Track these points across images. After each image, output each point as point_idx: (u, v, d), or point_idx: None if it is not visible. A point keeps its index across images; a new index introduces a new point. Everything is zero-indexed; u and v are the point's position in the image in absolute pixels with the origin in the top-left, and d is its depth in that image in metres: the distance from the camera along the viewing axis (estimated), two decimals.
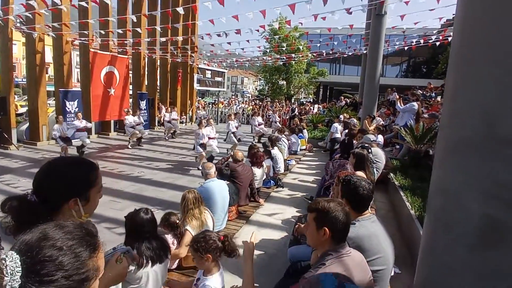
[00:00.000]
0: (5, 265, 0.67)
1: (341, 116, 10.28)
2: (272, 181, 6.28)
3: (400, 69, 33.91)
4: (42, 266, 0.70)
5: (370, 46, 10.19)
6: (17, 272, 0.68)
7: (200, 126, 8.29)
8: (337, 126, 9.43)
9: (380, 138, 7.65)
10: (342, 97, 16.37)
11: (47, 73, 12.13)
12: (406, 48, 13.59)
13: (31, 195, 1.11)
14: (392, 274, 2.55)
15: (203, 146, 8.06)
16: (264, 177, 6.01)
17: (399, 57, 31.88)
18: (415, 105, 7.92)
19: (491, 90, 1.33)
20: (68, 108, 11.19)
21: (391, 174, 5.92)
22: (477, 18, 1.41)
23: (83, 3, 8.72)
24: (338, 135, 9.20)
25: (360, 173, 3.44)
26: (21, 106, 16.40)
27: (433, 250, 1.67)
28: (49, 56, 13.85)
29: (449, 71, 1.64)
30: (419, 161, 6.09)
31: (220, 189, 4.17)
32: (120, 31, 11.85)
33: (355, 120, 9.37)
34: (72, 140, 9.13)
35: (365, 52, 13.60)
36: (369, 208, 2.40)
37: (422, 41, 12.76)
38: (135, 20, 11.06)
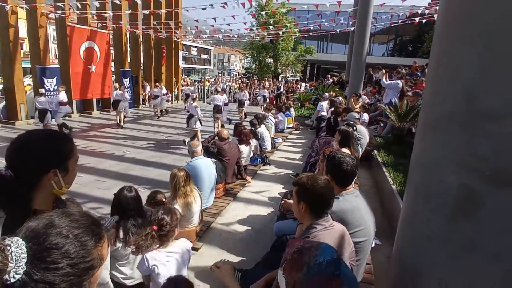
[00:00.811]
0: (10, 251, 0.66)
1: (327, 94, 10.32)
2: (259, 159, 6.33)
3: (387, 47, 33.94)
4: (48, 253, 0.70)
5: (358, 23, 10.10)
6: (23, 259, 0.67)
7: (195, 101, 8.30)
8: (323, 104, 9.48)
9: (366, 116, 7.77)
10: (329, 76, 16.33)
11: (22, 48, 11.52)
12: (393, 25, 13.54)
13: (5, 170, 1.08)
14: (373, 245, 2.67)
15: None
16: (251, 155, 6.05)
17: (386, 36, 31.86)
18: (399, 83, 8.02)
19: (472, 66, 1.36)
20: (47, 86, 10.77)
21: (375, 151, 6.06)
22: None
23: None
24: (324, 113, 9.27)
25: (345, 150, 3.50)
26: None
27: (412, 221, 1.75)
28: (23, 31, 13.11)
29: (432, 48, 1.65)
30: (402, 139, 6.23)
31: (206, 166, 4.19)
32: (97, 4, 11.25)
33: (341, 98, 9.45)
34: (54, 119, 8.84)
35: (352, 29, 13.48)
36: (352, 184, 2.47)
37: (408, 15, 12.70)
38: None
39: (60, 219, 0.76)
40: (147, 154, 7.46)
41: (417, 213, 1.63)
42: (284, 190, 4.92)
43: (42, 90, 8.95)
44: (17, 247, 0.68)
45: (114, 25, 13.81)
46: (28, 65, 12.19)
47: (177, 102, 18.42)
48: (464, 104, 1.35)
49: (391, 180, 4.31)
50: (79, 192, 4.76)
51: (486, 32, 1.28)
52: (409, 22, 13.48)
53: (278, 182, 5.52)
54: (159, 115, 12.95)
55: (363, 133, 5.29)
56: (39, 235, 0.71)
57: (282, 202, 3.15)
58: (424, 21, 12.46)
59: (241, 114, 12.43)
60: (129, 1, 12.20)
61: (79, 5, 11.52)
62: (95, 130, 10.18)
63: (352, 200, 2.32)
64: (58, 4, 11.00)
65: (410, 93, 7.75)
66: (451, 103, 1.41)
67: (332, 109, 7.78)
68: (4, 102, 10.95)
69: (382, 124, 7.99)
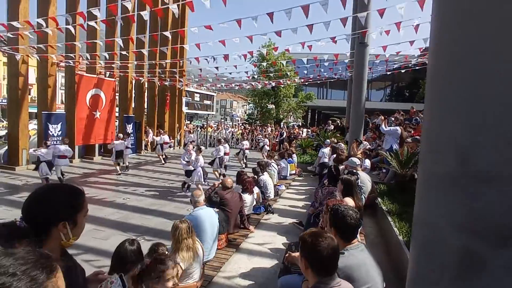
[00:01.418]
0: None
1: (328, 141, 10.47)
2: (262, 207, 6.26)
3: (384, 93, 35.10)
4: None
5: (355, 73, 10.59)
6: None
7: (198, 153, 8.26)
8: (325, 151, 9.58)
9: (367, 163, 7.81)
10: (330, 121, 16.73)
11: (29, 94, 12.02)
12: (389, 73, 14.17)
13: (20, 221, 1.14)
14: None
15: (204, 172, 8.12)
16: (254, 203, 6.00)
17: (383, 82, 33.14)
18: (398, 129, 8.19)
19: (463, 125, 1.41)
20: (51, 131, 11.00)
21: (379, 199, 6.00)
22: (446, 51, 1.52)
23: (70, 27, 8.79)
24: (326, 160, 9.33)
25: (348, 200, 3.50)
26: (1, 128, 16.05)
27: (419, 280, 1.71)
28: (32, 77, 13.76)
29: (425, 105, 1.73)
30: (405, 186, 6.21)
31: (209, 217, 4.14)
32: (106, 54, 11.95)
33: (342, 145, 9.55)
34: (55, 165, 8.83)
35: (350, 77, 14.11)
36: (358, 236, 2.44)
37: (402, 67, 13.35)
38: (122, 45, 11.23)
39: (3, 260, 0.75)
40: (147, 201, 7.38)
41: (424, 272, 1.60)
42: (288, 241, 4.80)
43: (48, 142, 8.92)
44: None
45: (121, 74, 14.53)
46: (34, 110, 12.59)
47: (180, 148, 18.66)
48: (457, 166, 1.39)
49: (397, 230, 4.22)
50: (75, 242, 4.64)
51: (474, 89, 1.35)
52: (404, 69, 14.15)
53: (282, 232, 5.41)
54: (163, 162, 13.03)
55: (365, 180, 5.29)
56: None
57: (287, 255, 3.06)
58: (418, 67, 13.08)
59: (241, 162, 12.57)
60: (135, 53, 12.98)
61: (88, 56, 12.26)
62: (95, 176, 10.20)
63: (358, 255, 2.27)
64: (69, 54, 11.69)
65: (409, 139, 7.87)
66: (445, 163, 1.44)
67: (334, 156, 7.85)
68: (6, 147, 11.13)
69: (384, 170, 8.00)
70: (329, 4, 6.41)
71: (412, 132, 9.93)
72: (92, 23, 8.79)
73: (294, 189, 8.82)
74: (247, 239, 5.00)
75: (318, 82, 16.68)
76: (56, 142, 10.22)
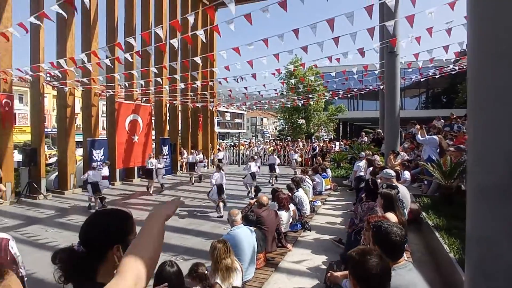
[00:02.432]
0: None
1: (363, 153, 10.16)
2: (299, 225, 6.15)
3: (419, 101, 33.67)
4: None
5: (386, 83, 10.32)
6: None
7: (217, 169, 8.45)
8: (360, 164, 9.27)
9: (407, 174, 7.46)
10: (363, 133, 16.25)
11: (75, 123, 13.02)
12: (423, 79, 13.60)
13: (78, 246, 1.21)
14: None
15: (218, 188, 8.07)
16: (291, 220, 5.91)
17: (417, 89, 31.85)
18: (436, 138, 7.75)
19: (510, 134, 1.34)
20: (95, 157, 11.78)
21: (423, 213, 5.67)
22: (488, 52, 1.45)
23: (107, 61, 9.48)
24: (362, 173, 9.02)
25: (390, 215, 3.35)
26: (50, 156, 17.33)
27: None
28: (77, 107, 14.90)
29: (468, 112, 1.66)
30: (451, 198, 5.82)
31: (246, 235, 4.14)
32: (142, 82, 12.70)
33: (377, 157, 9.20)
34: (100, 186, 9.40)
35: (382, 88, 13.74)
36: (404, 255, 2.32)
37: (438, 72, 12.78)
38: (156, 71, 11.90)
39: None
40: (184, 221, 7.53)
41: None
42: (328, 259, 4.65)
43: (94, 165, 9.73)
44: None
45: (156, 99, 15.31)
46: (80, 138, 13.54)
47: (213, 167, 19.00)
48: (509, 174, 1.30)
49: (447, 247, 3.93)
50: None
51: None
52: (439, 75, 13.52)
53: (321, 250, 5.26)
54: (193, 181, 13.31)
55: (405, 194, 5.02)
56: None
57: (328, 274, 2.97)
58: (454, 72, 12.45)
59: (272, 178, 12.53)
60: (168, 79, 13.65)
61: (127, 84, 13.06)
62: (135, 198, 10.65)
63: (406, 275, 2.15)
64: (110, 84, 12.57)
65: (452, 148, 7.43)
66: (495, 173, 1.36)
67: (371, 169, 7.59)
68: (56, 173, 12.00)
69: (426, 182, 7.57)
70: (354, 15, 6.36)
71: (454, 140, 9.39)
72: (127, 55, 9.42)
73: (330, 205, 8.59)
74: (286, 258, 4.92)
75: (348, 95, 16.42)
76: (100, 165, 10.88)
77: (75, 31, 11.65)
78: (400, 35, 9.93)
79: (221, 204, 8.04)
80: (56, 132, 12.29)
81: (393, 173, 5.19)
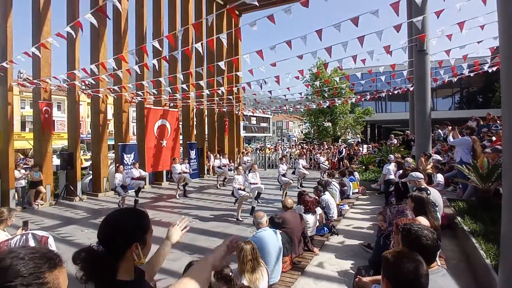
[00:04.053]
0: None
1: (392, 156, 9.82)
2: (325, 228, 6.05)
3: (453, 101, 32.15)
4: (4, 273, 0.83)
5: (416, 84, 9.94)
6: None
7: (238, 171, 8.45)
8: (389, 167, 8.98)
9: (440, 177, 7.14)
10: (392, 135, 15.72)
11: (107, 128, 13.64)
12: (456, 78, 12.93)
13: (97, 245, 1.26)
14: None
15: (241, 190, 8.14)
16: (317, 224, 5.83)
17: (449, 89, 30.41)
18: (468, 139, 7.34)
19: None
20: (126, 161, 12.26)
21: (459, 218, 5.38)
22: None
23: (136, 68, 9.87)
24: (392, 177, 8.73)
25: (422, 219, 3.21)
26: (85, 160, 18.22)
27: None
28: (109, 113, 15.61)
29: (502, 111, 1.58)
30: (489, 202, 5.48)
31: (272, 238, 4.13)
32: (169, 89, 13.08)
33: (410, 160, 8.83)
34: (129, 190, 9.76)
35: (411, 89, 13.25)
36: (437, 260, 2.21)
37: (472, 71, 12.11)
38: (183, 79, 12.22)
39: (19, 249, 0.90)
40: (212, 224, 7.63)
41: None
42: (355, 264, 4.53)
43: (121, 168, 10.08)
44: None
45: (183, 104, 15.72)
46: (112, 142, 14.16)
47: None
48: None
49: (484, 253, 3.71)
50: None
51: None
52: (474, 73, 12.80)
53: (349, 255, 5.14)
54: (218, 185, 13.44)
55: (437, 197, 4.79)
56: None
57: (357, 279, 2.90)
58: (491, 69, 11.74)
59: (299, 182, 12.42)
60: (194, 86, 13.96)
61: (155, 92, 13.52)
62: (163, 200, 10.92)
63: (439, 281, 2.05)
64: (139, 92, 13.07)
65: (489, 150, 7.02)
66: None
67: (400, 172, 7.32)
68: (91, 176, 12.60)
69: (461, 186, 7.19)
70: (380, 13, 6.18)
71: (493, 141, 8.86)
72: (155, 61, 9.75)
73: (358, 209, 8.38)
74: (312, 262, 4.85)
75: (376, 97, 15.95)
76: (130, 169, 11.31)
77: (107, 41, 12.26)
78: (430, 32, 9.54)
79: (241, 206, 8.05)
80: (90, 138, 12.98)
81: (421, 176, 4.97)
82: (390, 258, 1.73)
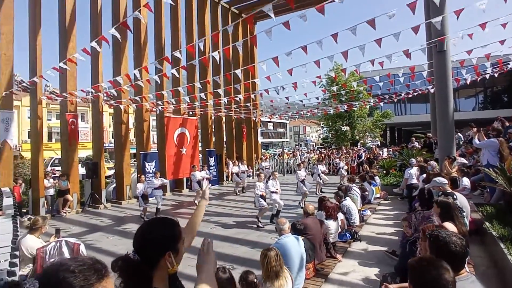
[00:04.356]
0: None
1: (413, 160, 9.58)
2: (348, 234, 5.98)
3: (477, 101, 31.08)
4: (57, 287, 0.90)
5: (437, 85, 9.70)
6: None
7: (259, 178, 8.42)
8: (411, 171, 8.77)
9: (466, 181, 6.92)
10: (413, 138, 15.31)
11: (129, 137, 14.03)
12: (479, 77, 12.50)
13: (133, 254, 1.32)
14: None
15: (263, 197, 8.07)
16: (339, 230, 5.78)
17: (473, 89, 29.42)
18: (495, 140, 7.07)
19: None
20: (147, 169, 12.52)
21: (487, 223, 5.20)
22: None
23: (156, 77, 10.16)
24: (414, 181, 8.53)
25: (449, 225, 3.15)
26: (108, 169, 18.74)
27: None
28: (130, 123, 16.03)
29: None
30: None
31: (295, 245, 4.13)
32: (187, 98, 13.36)
33: (434, 163, 8.58)
34: (149, 198, 9.86)
35: (432, 91, 12.93)
36: (466, 266, 2.18)
37: (496, 70, 11.69)
38: (201, 87, 12.44)
39: (68, 261, 0.97)
40: (232, 231, 7.66)
41: None
42: (381, 270, 4.46)
43: (142, 178, 10.18)
44: (31, 284, 0.88)
45: (202, 112, 15.99)
46: (133, 151, 14.53)
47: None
48: None
49: None
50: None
51: None
52: (498, 73, 12.35)
53: (373, 261, 5.06)
54: (237, 192, 13.49)
55: (464, 202, 4.65)
56: (50, 274, 0.93)
57: (383, 287, 2.87)
58: None
59: (318, 188, 12.33)
60: (212, 94, 14.17)
61: (174, 101, 13.85)
62: (184, 207, 11.09)
63: None
64: (158, 102, 13.41)
65: None
66: None
67: (424, 176, 7.14)
68: (114, 184, 12.99)
69: (488, 190, 6.94)
70: (397, 14, 6.11)
71: None
72: (173, 71, 10.01)
73: (381, 214, 8.22)
74: (336, 269, 4.80)
75: (395, 100, 15.65)
76: (152, 177, 11.55)
77: (127, 53, 12.71)
78: (450, 32, 9.33)
79: (262, 213, 8.01)
80: (112, 147, 13.40)
81: (446, 181, 4.84)
82: (416, 266, 1.72)
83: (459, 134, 12.64)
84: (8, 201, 7.25)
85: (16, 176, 11.15)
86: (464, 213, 4.29)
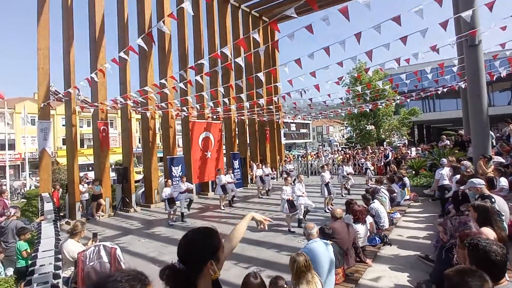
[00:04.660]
0: None
1: (444, 160, 9.20)
2: (377, 238, 5.85)
3: None
4: None
5: (469, 80, 9.27)
6: None
7: (286, 182, 8.38)
8: (442, 172, 8.41)
9: (504, 182, 6.55)
10: (444, 136, 14.66)
11: (156, 143, 14.43)
12: None
13: (178, 263, 1.41)
14: None
15: (290, 202, 7.98)
16: (368, 234, 5.67)
17: (508, 82, 27.78)
18: None
19: None
20: (174, 173, 12.87)
21: None
22: None
23: (181, 84, 10.43)
24: (446, 182, 8.18)
25: (487, 231, 3.01)
26: (136, 173, 19.34)
27: None
28: (156, 127, 16.47)
29: None
30: None
31: (324, 249, 4.10)
32: (211, 104, 13.58)
33: (468, 163, 8.20)
34: (176, 202, 10.02)
35: (463, 86, 12.36)
36: (506, 275, 2.09)
37: None
38: (223, 93, 12.60)
39: (115, 273, 1.07)
40: (259, 234, 7.61)
41: None
42: (413, 276, 4.33)
43: (169, 182, 10.44)
44: None
45: (225, 116, 16.20)
46: (160, 155, 14.94)
47: (282, 179, 19.12)
48: None
49: None
50: None
51: None
52: None
53: (405, 266, 4.92)
54: (261, 195, 13.51)
55: (503, 205, 4.41)
56: (101, 284, 1.03)
57: None
58: None
59: (343, 189, 12.13)
60: (235, 99, 14.31)
61: (198, 107, 14.14)
62: (210, 211, 11.27)
63: None
64: (183, 108, 13.74)
65: None
66: None
67: (457, 177, 6.84)
68: (143, 189, 13.42)
69: None
70: (424, 9, 5.89)
71: None
72: (198, 77, 10.23)
73: (411, 217, 7.96)
74: (366, 274, 4.72)
75: (423, 97, 15.07)
76: (178, 181, 11.83)
77: (153, 61, 13.15)
78: (481, 25, 8.89)
79: (290, 220, 7.98)
80: (140, 152, 13.86)
81: (483, 182, 4.61)
82: (453, 277, 1.67)
83: (491, 132, 11.97)
84: (48, 206, 7.72)
85: (54, 182, 11.83)
86: (503, 217, 4.08)
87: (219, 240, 1.53)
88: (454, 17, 8.98)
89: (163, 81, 10.39)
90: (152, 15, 13.10)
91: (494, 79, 12.58)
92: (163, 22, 6.99)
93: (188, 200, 10.40)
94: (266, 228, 2.20)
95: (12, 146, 30.26)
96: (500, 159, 8.64)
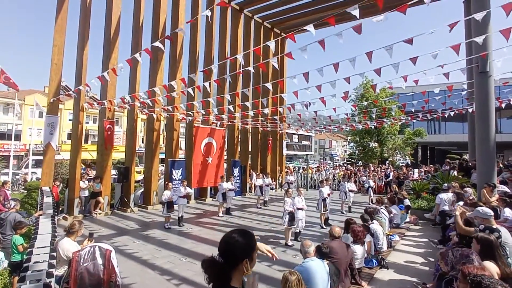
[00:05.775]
0: None
1: (446, 185, 9.07)
2: (374, 261, 5.75)
3: None
4: None
5: (478, 106, 9.21)
6: None
7: (287, 194, 8.31)
8: (443, 197, 8.29)
9: (508, 212, 6.45)
10: (448, 160, 14.54)
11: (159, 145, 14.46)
12: None
13: (218, 257, 1.58)
14: None
15: (291, 214, 7.87)
16: (365, 255, 5.58)
17: None
18: None
19: None
20: (174, 176, 12.87)
21: None
22: None
23: (190, 90, 10.47)
24: (446, 207, 8.09)
25: (490, 265, 2.95)
26: (137, 172, 19.28)
27: None
28: (161, 129, 16.51)
29: None
30: None
31: (320, 269, 4.03)
32: (216, 110, 13.62)
33: (470, 190, 8.11)
34: (174, 205, 9.89)
35: (470, 110, 12.32)
36: None
37: None
38: (230, 99, 12.64)
39: None
40: None
41: None
42: None
43: (169, 185, 10.30)
44: None
45: (229, 123, 16.24)
46: (162, 156, 14.90)
47: (281, 190, 19.04)
48: None
49: None
50: (195, 281, 5.22)
51: None
52: None
53: None
54: (258, 205, 13.38)
55: (507, 238, 4.32)
56: None
57: None
58: None
59: (345, 207, 12.02)
60: (240, 107, 14.35)
61: (203, 112, 14.18)
62: (207, 217, 11.17)
63: None
64: (189, 112, 13.80)
65: None
66: None
67: (460, 203, 6.75)
68: (142, 189, 13.39)
69: None
70: (435, 32, 5.90)
71: None
72: (206, 84, 10.28)
73: (410, 241, 7.85)
74: None
75: (429, 118, 15.01)
76: (178, 185, 11.79)
77: (164, 64, 13.26)
78: (493, 52, 8.88)
79: (289, 232, 7.90)
80: (142, 151, 13.84)
81: (491, 213, 4.52)
82: None
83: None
84: (47, 200, 7.71)
85: (55, 176, 11.81)
86: (508, 251, 3.97)
87: (256, 242, 1.70)
88: (465, 42, 9.00)
89: (172, 83, 10.45)
90: (167, 18, 13.27)
91: (504, 107, 12.52)
92: (181, 27, 7.06)
93: (178, 218, 10.22)
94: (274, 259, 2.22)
95: (18, 137, 30.57)
96: (505, 188, 8.55)
